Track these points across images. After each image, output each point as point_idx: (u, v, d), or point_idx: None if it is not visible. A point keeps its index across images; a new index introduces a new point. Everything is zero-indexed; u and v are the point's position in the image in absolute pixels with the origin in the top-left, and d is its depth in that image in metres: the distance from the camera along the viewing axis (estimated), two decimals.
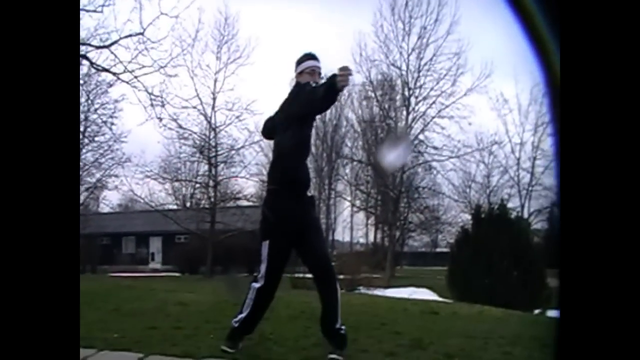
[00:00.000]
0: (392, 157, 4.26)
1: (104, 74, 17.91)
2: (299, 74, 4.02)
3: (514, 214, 19.21)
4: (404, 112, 27.89)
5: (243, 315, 3.85)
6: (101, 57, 15.63)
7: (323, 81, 3.89)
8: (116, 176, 26.78)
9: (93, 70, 17.71)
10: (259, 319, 3.96)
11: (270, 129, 4.14)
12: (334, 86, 3.44)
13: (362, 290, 14.99)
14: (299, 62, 4.05)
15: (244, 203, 26.82)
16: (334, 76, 3.47)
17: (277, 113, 4.07)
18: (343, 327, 3.82)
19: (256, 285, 3.83)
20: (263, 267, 3.81)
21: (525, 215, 27.39)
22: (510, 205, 22.28)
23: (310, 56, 4.08)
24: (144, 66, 15.22)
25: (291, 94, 4.01)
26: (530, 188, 29.10)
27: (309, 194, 3.94)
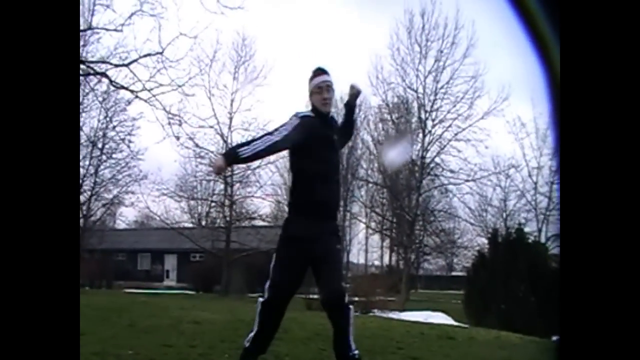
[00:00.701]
0: (394, 153, 4.19)
1: (122, 92, 18.18)
2: (310, 95, 3.86)
3: (531, 239, 18.92)
4: (420, 135, 27.79)
5: (252, 332, 3.75)
6: (120, 75, 15.89)
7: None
8: (133, 193, 27.16)
9: (112, 88, 18.01)
10: (269, 337, 3.81)
11: None
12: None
13: (377, 313, 14.83)
14: (309, 81, 3.87)
15: (259, 223, 26.91)
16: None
17: None
18: (357, 351, 3.71)
19: (261, 299, 3.72)
20: (268, 280, 3.72)
21: (543, 240, 26.96)
22: (527, 229, 21.97)
23: (316, 72, 3.86)
24: (162, 85, 15.43)
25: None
26: (547, 213, 28.67)
27: (332, 219, 3.82)
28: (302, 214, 3.72)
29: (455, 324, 12.04)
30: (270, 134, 3.67)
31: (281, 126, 3.66)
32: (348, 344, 3.63)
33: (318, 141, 3.71)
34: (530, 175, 28.53)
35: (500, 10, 1.66)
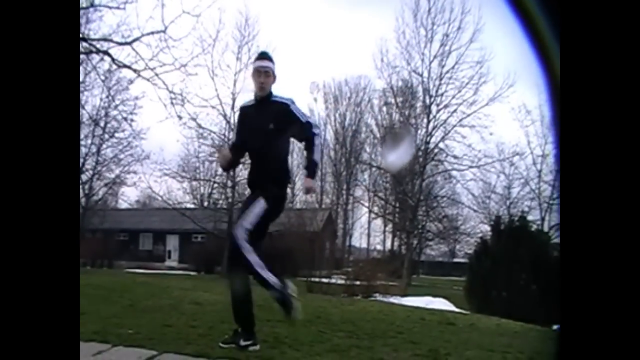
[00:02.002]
0: (395, 156, 4.26)
1: (124, 71, 17.99)
2: (251, 78, 4.15)
3: (534, 227, 18.88)
4: (425, 120, 27.66)
5: None
6: (122, 54, 15.74)
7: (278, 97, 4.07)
8: (135, 173, 27.18)
9: (114, 67, 17.84)
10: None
11: None
12: None
13: (379, 297, 14.87)
14: (252, 64, 4.25)
15: None
16: None
17: None
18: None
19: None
20: None
21: (546, 229, 26.92)
22: (530, 218, 21.96)
23: (258, 56, 4.26)
24: (164, 64, 15.29)
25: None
26: (551, 201, 28.61)
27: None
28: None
29: (457, 310, 12.06)
30: None
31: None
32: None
33: (250, 132, 4.11)
34: (534, 164, 28.45)
35: (502, 6, 1.63)
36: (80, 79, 20.46)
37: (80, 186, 27.54)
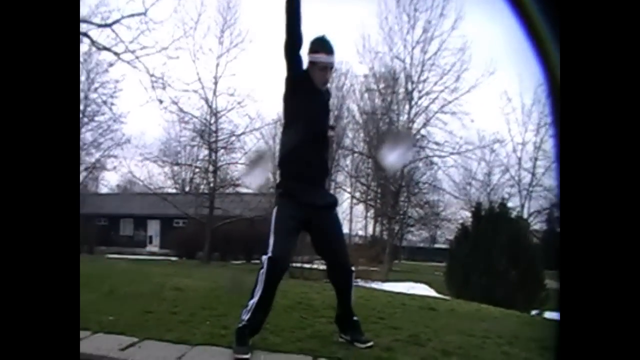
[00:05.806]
0: (394, 156, 4.19)
1: (104, 53, 17.70)
2: (310, 65, 3.55)
3: (513, 214, 19.10)
4: (407, 106, 27.73)
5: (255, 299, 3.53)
6: (102, 36, 15.51)
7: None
8: (115, 157, 26.88)
9: (94, 49, 17.55)
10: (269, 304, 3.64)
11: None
12: None
13: (360, 283, 14.93)
14: (312, 51, 3.55)
15: (243, 190, 26.81)
16: None
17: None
18: (356, 318, 3.96)
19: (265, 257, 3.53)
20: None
21: (525, 215, 27.30)
22: (510, 204, 22.16)
23: (325, 48, 3.57)
24: (145, 47, 15.12)
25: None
26: (530, 188, 29.00)
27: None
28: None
29: (437, 295, 12.17)
30: None
31: None
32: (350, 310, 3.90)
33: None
34: (514, 151, 28.84)
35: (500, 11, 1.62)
36: None
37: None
